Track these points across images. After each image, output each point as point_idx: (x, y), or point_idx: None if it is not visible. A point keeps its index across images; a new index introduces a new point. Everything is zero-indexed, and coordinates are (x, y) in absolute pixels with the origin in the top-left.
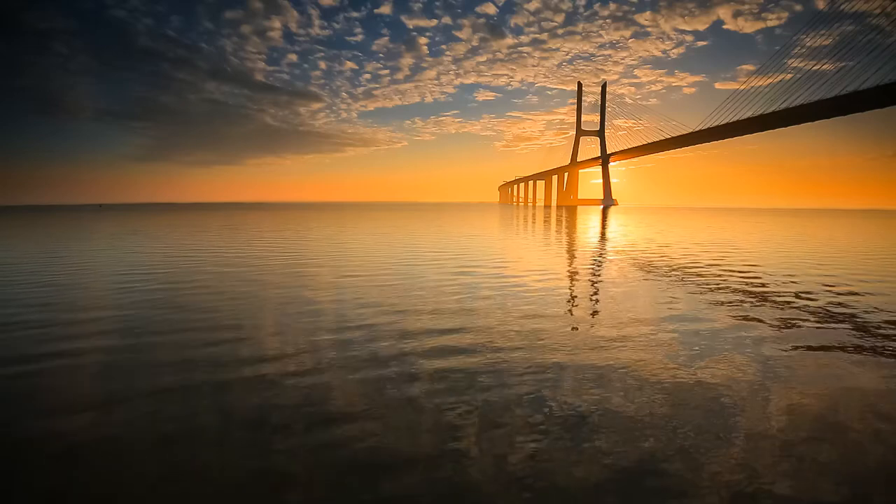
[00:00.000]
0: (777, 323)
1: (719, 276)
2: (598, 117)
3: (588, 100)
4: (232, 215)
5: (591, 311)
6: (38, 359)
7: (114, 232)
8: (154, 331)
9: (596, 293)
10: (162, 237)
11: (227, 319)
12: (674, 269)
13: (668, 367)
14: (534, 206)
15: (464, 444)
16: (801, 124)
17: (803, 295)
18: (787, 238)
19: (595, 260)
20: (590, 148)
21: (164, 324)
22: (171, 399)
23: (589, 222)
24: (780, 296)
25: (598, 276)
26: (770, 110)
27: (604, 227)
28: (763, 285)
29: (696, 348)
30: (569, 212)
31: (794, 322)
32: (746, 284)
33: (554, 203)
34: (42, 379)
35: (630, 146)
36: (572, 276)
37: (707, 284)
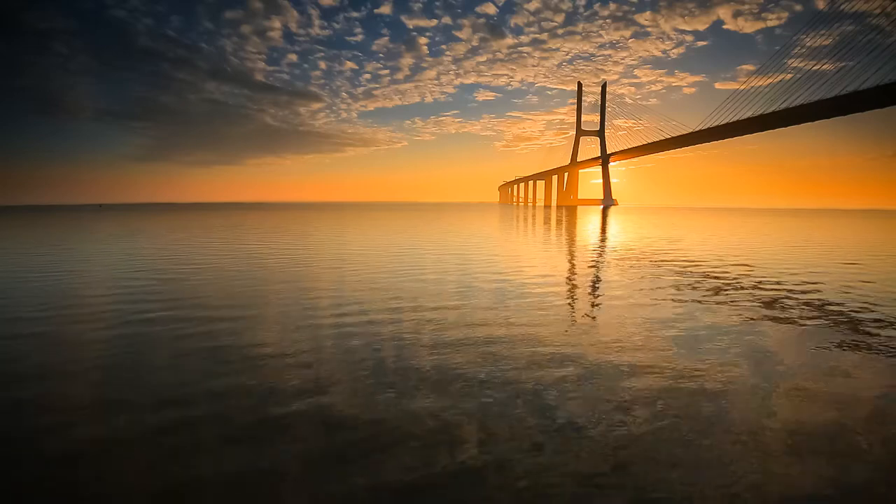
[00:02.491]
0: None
1: (764, 290)
2: (598, 117)
3: (588, 100)
4: (231, 215)
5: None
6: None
7: (114, 232)
8: (152, 364)
9: (640, 314)
10: (166, 237)
11: (226, 333)
12: (717, 280)
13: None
14: (534, 207)
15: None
16: (801, 124)
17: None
18: (808, 241)
19: (618, 268)
20: (590, 148)
21: (162, 351)
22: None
23: (595, 223)
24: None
25: (631, 289)
26: (770, 110)
27: (606, 228)
28: (824, 305)
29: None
30: (570, 212)
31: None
32: (796, 299)
33: (554, 203)
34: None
35: (630, 146)
36: (604, 290)
37: (756, 300)
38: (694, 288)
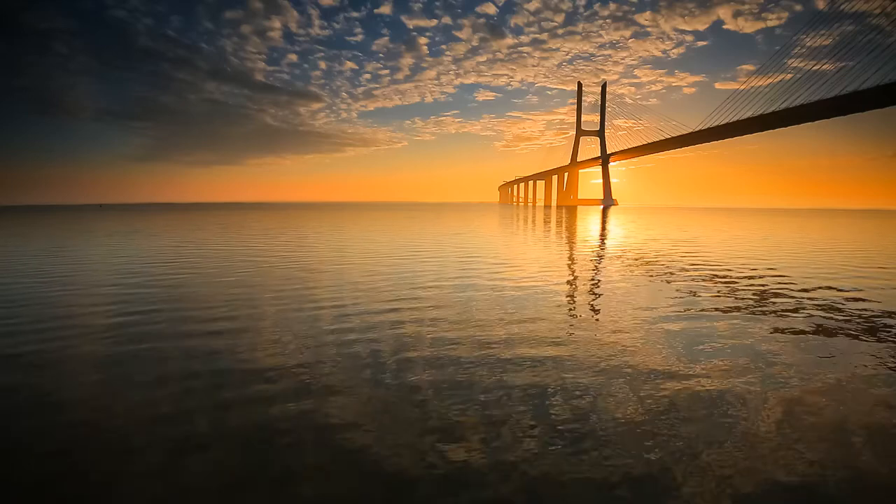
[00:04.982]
0: None
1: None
2: (598, 117)
3: (588, 100)
4: (231, 215)
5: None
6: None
7: (117, 230)
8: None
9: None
10: (171, 237)
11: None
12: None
13: None
14: (534, 206)
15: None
16: (801, 124)
17: None
18: (815, 242)
19: (641, 276)
20: (590, 148)
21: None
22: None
23: (599, 224)
24: None
25: (665, 302)
26: (770, 110)
27: (612, 229)
28: None
29: None
30: (571, 212)
31: None
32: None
33: (554, 203)
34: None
35: (630, 146)
36: (635, 303)
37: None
38: (732, 302)
